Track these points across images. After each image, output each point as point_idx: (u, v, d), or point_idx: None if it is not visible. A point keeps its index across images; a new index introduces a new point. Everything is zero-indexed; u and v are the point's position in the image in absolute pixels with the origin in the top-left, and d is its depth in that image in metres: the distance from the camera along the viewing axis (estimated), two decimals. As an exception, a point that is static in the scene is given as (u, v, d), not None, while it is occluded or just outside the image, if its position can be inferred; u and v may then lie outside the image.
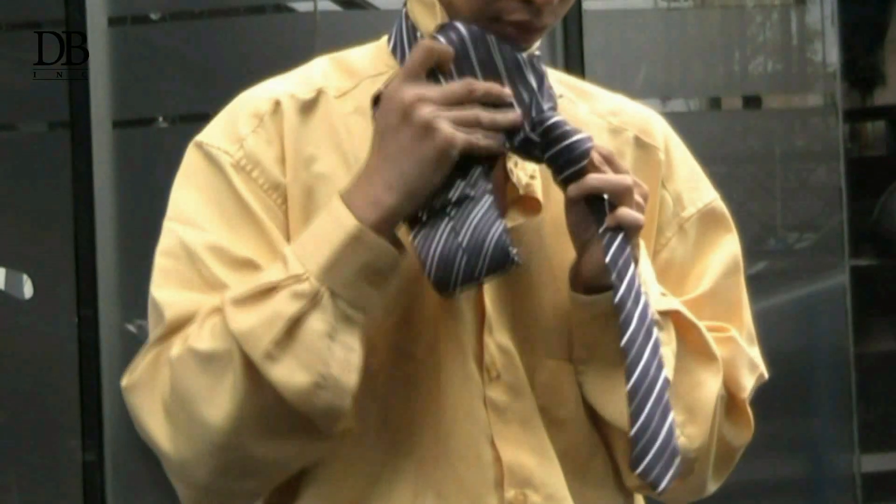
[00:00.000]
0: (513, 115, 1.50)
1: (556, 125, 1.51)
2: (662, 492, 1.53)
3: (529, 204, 1.59)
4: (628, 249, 1.52)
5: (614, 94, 1.76)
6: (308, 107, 1.62)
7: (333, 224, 1.49)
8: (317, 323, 1.48)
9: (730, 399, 1.67)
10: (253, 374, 1.48)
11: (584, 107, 1.71)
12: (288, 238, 1.58)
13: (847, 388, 4.43)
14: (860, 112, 6.03)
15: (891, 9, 6.18)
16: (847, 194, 4.50)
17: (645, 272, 1.59)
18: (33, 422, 4.33)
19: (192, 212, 1.59)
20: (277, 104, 1.62)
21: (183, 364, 1.51)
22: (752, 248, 4.79)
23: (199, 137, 1.63)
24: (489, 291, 1.59)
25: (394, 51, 1.65)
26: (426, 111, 1.46)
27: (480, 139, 1.47)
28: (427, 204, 1.49)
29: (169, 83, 1.60)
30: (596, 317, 1.57)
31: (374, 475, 1.59)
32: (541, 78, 1.54)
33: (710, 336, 1.64)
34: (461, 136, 1.46)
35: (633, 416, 1.51)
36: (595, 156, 1.52)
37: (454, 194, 1.50)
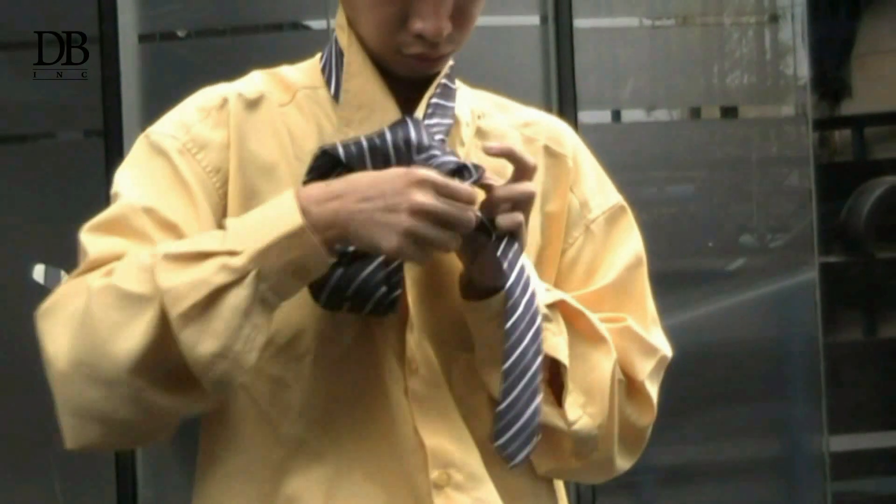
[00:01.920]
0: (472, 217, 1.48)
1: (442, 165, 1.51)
2: (517, 466, 1.54)
3: None
4: (516, 246, 1.51)
5: (528, 108, 1.76)
6: (253, 104, 1.62)
7: (280, 216, 1.47)
8: (236, 298, 1.45)
9: (629, 383, 1.67)
10: (165, 327, 1.45)
11: (503, 118, 1.72)
12: (221, 216, 1.57)
13: (817, 375, 4.42)
14: (828, 121, 6.03)
15: (856, 27, 6.19)
16: (816, 197, 4.50)
17: (529, 270, 1.57)
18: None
19: (129, 182, 1.59)
20: (225, 100, 1.62)
21: (103, 295, 1.47)
22: (730, 247, 4.77)
23: (148, 129, 1.63)
24: (412, 292, 1.59)
25: (323, 69, 1.65)
26: (408, 223, 1.44)
27: (427, 255, 1.47)
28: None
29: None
30: (490, 318, 1.56)
31: (294, 451, 1.58)
32: (430, 136, 1.54)
33: (596, 319, 1.64)
34: (412, 253, 1.46)
35: (504, 394, 1.50)
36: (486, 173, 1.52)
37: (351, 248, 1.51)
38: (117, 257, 1.52)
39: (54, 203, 4.32)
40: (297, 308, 1.55)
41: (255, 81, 1.65)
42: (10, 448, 4.39)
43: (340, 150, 1.50)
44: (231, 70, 1.72)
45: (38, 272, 4.27)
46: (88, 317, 1.48)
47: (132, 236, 1.54)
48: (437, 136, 1.58)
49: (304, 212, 1.46)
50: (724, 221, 4.77)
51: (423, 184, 1.45)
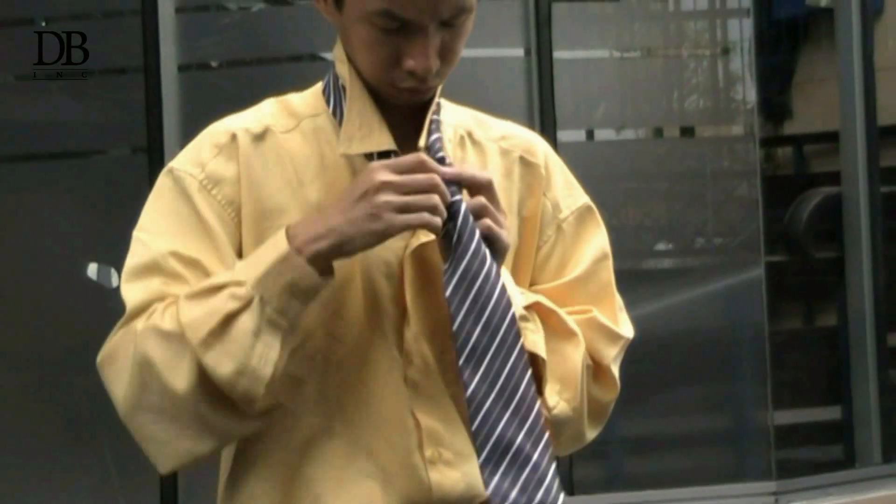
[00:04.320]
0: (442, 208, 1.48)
1: None
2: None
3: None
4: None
5: (504, 122, 1.73)
6: (258, 138, 1.59)
7: (273, 247, 1.47)
8: (246, 322, 1.45)
9: (595, 367, 1.64)
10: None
11: (481, 133, 1.69)
12: (239, 245, 1.56)
13: (763, 358, 4.41)
14: (773, 140, 6.03)
15: (796, 59, 6.18)
16: (763, 205, 4.49)
17: (504, 278, 1.55)
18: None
19: (155, 223, 1.57)
20: (234, 136, 1.59)
21: (146, 336, 1.48)
22: (688, 249, 4.77)
23: (170, 164, 1.61)
24: (410, 291, 1.56)
25: (326, 97, 1.63)
26: (382, 199, 1.45)
27: (416, 220, 1.46)
28: None
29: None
30: None
31: (312, 437, 1.55)
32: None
33: (566, 316, 1.61)
34: (400, 221, 1.45)
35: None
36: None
37: None
38: (156, 298, 1.52)
39: (105, 211, 4.31)
40: (308, 315, 1.52)
41: (262, 112, 1.63)
42: (67, 422, 4.38)
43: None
44: (256, 95, 1.70)
45: (92, 270, 4.27)
46: (139, 357, 1.48)
47: (164, 276, 1.53)
48: (439, 154, 1.55)
49: (290, 238, 1.47)
50: (684, 227, 4.76)
51: (378, 169, 1.47)
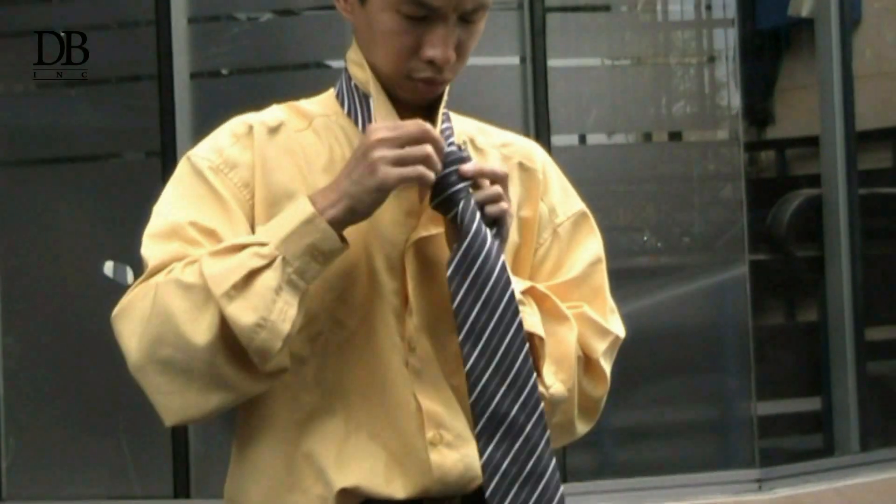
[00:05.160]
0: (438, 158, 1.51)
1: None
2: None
3: (439, 219, 1.59)
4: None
5: (504, 131, 1.76)
6: (273, 130, 1.62)
7: (295, 212, 1.49)
8: (268, 279, 1.46)
9: (585, 360, 1.65)
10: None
11: (484, 140, 1.71)
12: (252, 223, 1.57)
13: (747, 352, 4.42)
14: (756, 144, 6.02)
15: (778, 67, 6.18)
16: (747, 206, 4.49)
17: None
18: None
19: (174, 199, 1.59)
20: (251, 127, 1.62)
21: (167, 288, 1.48)
22: (676, 248, 4.77)
23: (189, 151, 1.63)
24: (412, 285, 1.58)
25: (339, 99, 1.65)
26: (377, 154, 1.47)
27: (412, 173, 1.48)
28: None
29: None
30: None
31: (312, 414, 1.57)
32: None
33: (559, 301, 1.63)
34: (395, 174, 1.47)
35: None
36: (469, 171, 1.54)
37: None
38: (175, 259, 1.52)
39: (120, 211, 4.32)
40: (312, 298, 1.54)
41: (275, 112, 1.66)
42: (85, 411, 4.39)
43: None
44: (265, 102, 1.72)
45: (108, 268, 4.28)
46: (159, 308, 1.48)
47: (183, 242, 1.54)
48: (452, 141, 1.60)
49: (313, 202, 1.50)
50: (671, 227, 4.76)
51: (376, 129, 1.50)
